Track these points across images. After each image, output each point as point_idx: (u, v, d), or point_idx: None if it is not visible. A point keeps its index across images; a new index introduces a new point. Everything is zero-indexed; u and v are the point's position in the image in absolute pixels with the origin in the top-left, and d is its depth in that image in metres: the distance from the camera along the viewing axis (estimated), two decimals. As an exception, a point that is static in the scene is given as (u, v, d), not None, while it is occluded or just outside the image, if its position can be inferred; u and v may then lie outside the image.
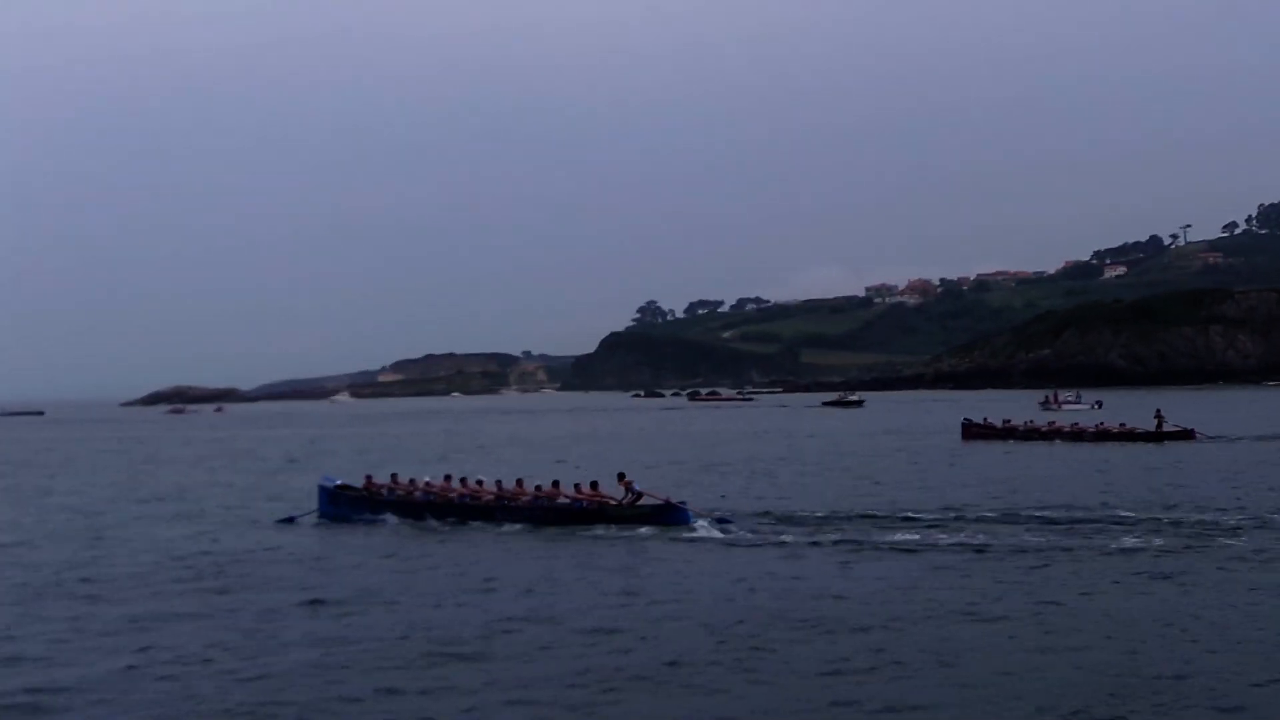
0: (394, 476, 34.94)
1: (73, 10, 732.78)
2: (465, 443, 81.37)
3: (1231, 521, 28.84)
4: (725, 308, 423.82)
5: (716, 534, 29.03)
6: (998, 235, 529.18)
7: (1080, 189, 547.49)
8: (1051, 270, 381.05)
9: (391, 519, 32.67)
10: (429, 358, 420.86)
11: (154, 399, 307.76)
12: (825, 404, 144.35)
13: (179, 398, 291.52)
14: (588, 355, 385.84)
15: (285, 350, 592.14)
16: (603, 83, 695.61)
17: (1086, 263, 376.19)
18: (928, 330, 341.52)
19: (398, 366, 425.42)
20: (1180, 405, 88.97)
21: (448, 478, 34.24)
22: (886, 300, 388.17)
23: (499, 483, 33.18)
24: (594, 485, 31.92)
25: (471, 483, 33.53)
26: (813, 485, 42.73)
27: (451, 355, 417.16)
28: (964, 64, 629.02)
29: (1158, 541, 25.98)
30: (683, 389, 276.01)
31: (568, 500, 31.70)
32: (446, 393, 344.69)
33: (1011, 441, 64.64)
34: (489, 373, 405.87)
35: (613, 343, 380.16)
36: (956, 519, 30.34)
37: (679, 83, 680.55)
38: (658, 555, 26.69)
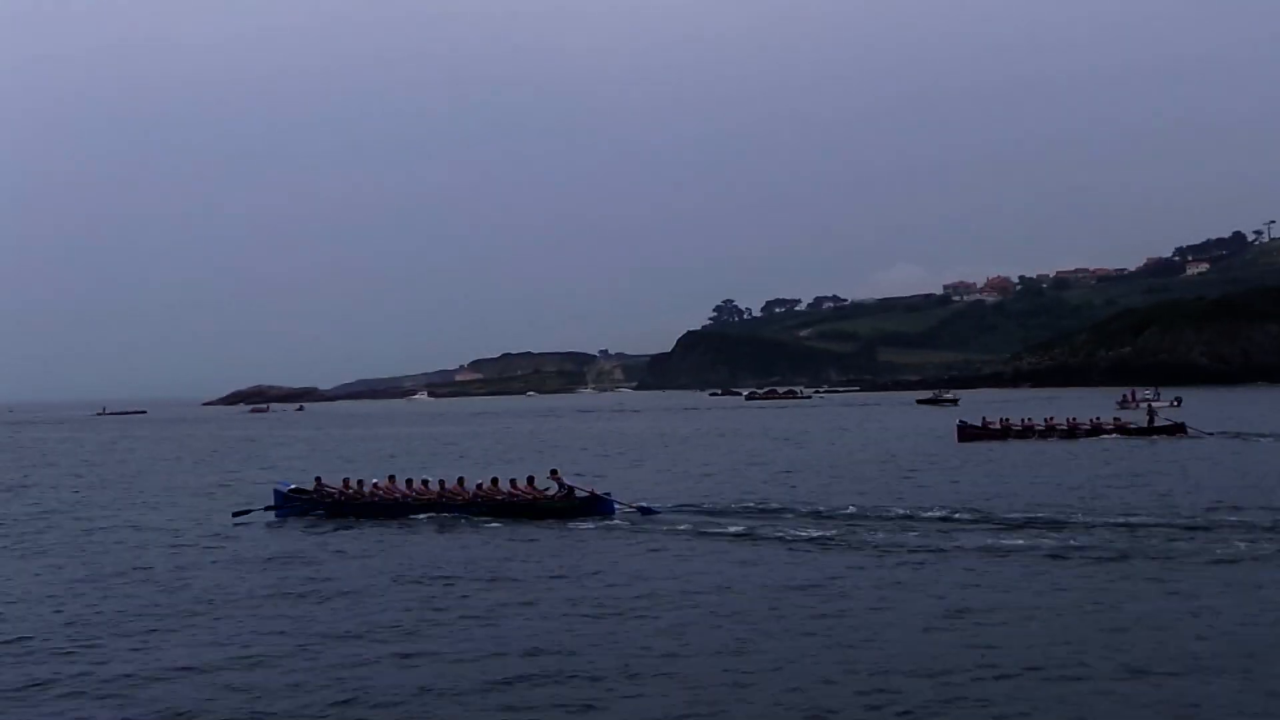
0: (345, 480, 37.18)
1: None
2: (537, 442, 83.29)
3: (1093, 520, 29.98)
4: (802, 306, 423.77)
5: (639, 521, 32.06)
6: (1078, 233, 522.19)
7: (1162, 185, 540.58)
8: (1132, 267, 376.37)
9: (338, 517, 34.67)
10: (506, 357, 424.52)
11: (234, 398, 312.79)
12: (919, 401, 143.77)
13: (259, 397, 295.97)
14: (664, 354, 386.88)
15: (363, 350, 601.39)
16: (677, 81, 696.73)
17: (1168, 260, 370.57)
18: (1006, 328, 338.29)
19: (475, 365, 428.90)
20: (1263, 404, 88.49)
21: (392, 479, 36.70)
22: (964, 298, 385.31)
23: (441, 482, 35.61)
24: (530, 481, 34.58)
25: (417, 483, 35.87)
26: (764, 482, 44.79)
27: (529, 354, 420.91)
28: (1051, 63, 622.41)
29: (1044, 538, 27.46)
30: (759, 388, 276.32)
31: (504, 495, 34.08)
32: (523, 392, 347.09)
33: (1010, 440, 65.70)
34: (565, 371, 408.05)
35: (689, 341, 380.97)
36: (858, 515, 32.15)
37: (752, 81, 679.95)
38: (581, 542, 29.28)
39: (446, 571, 25.18)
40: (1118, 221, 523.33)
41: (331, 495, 36.04)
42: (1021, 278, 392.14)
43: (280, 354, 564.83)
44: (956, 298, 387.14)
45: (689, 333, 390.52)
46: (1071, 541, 26.67)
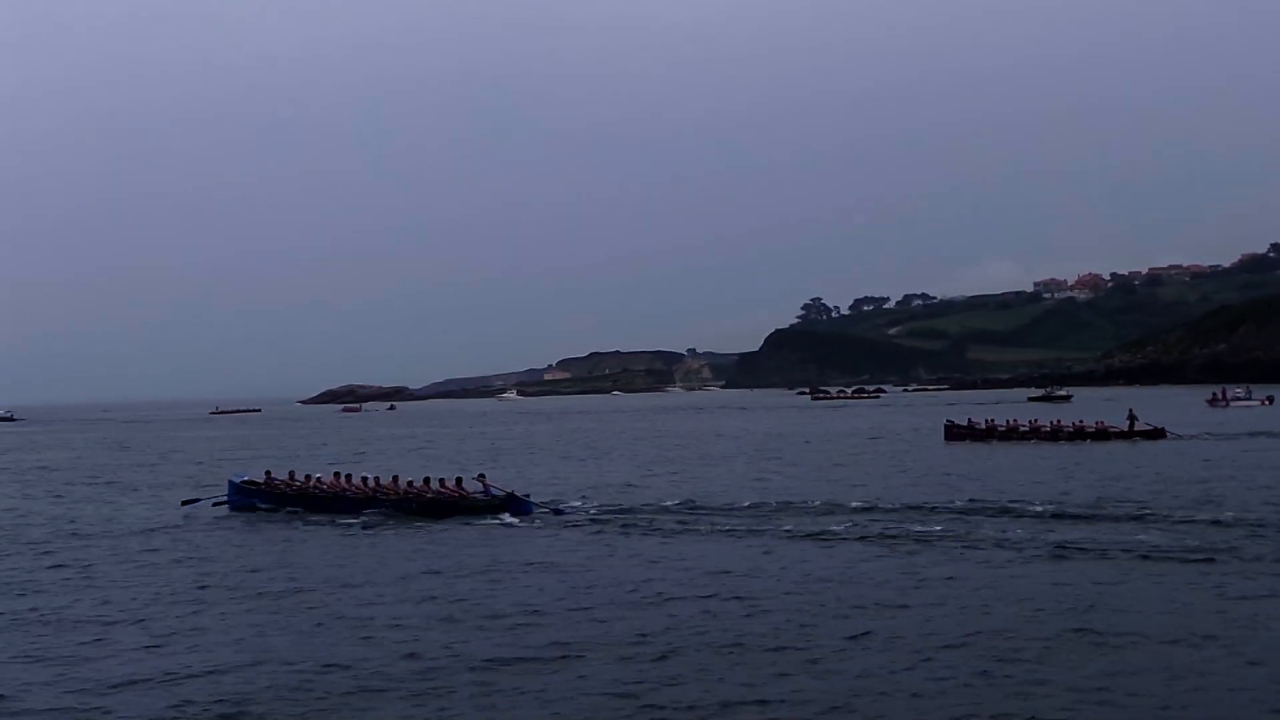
0: (291, 474, 40.63)
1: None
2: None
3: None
4: (891, 304, 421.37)
5: (554, 519, 34.87)
6: (1171, 229, 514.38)
7: (1258, 181, 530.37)
8: (1227, 264, 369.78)
9: (284, 508, 37.86)
10: (594, 355, 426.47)
11: (327, 397, 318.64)
12: (1031, 399, 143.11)
13: (350, 396, 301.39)
14: (752, 353, 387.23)
15: (453, 349, 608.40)
16: (767, 79, 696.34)
17: (1264, 255, 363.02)
18: (1098, 325, 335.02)
19: (564, 364, 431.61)
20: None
21: (337, 475, 39.82)
22: (1055, 295, 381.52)
23: (377, 479, 38.72)
24: (458, 481, 37.71)
25: (356, 480, 38.90)
26: (723, 481, 47.63)
27: (617, 353, 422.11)
28: (1137, 57, 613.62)
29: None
30: (848, 386, 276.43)
31: (432, 494, 36.89)
32: (612, 390, 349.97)
33: (993, 442, 67.07)
34: (654, 370, 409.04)
35: (777, 340, 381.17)
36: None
37: (846, 78, 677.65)
38: (494, 539, 31.63)
39: (365, 562, 27.98)
40: (1212, 217, 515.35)
41: (278, 488, 39.34)
42: (1114, 275, 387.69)
43: (372, 354, 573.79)
44: (1047, 295, 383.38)
45: (777, 331, 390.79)
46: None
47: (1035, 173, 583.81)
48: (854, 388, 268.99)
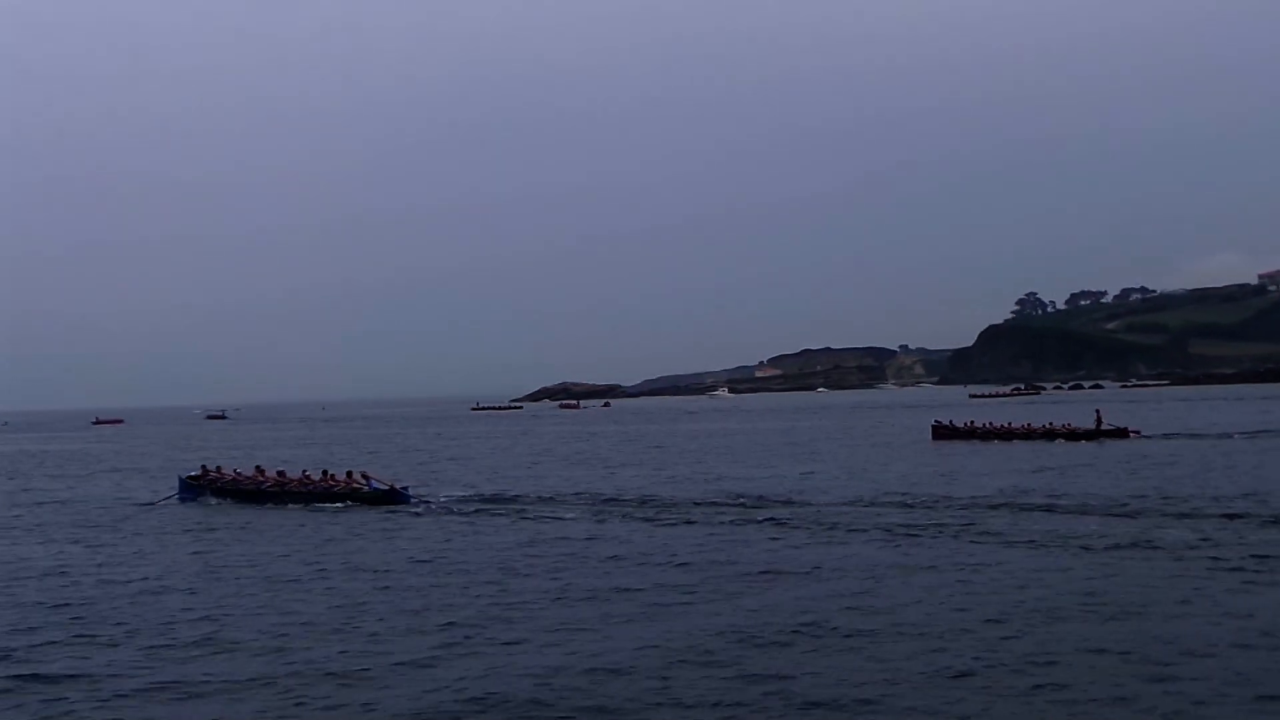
0: (219, 468, 48.25)
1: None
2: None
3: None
4: (1108, 298, 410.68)
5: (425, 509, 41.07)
6: None
7: None
8: None
9: (212, 500, 45.39)
10: (806, 353, 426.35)
11: (541, 395, 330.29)
12: None
13: (564, 394, 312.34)
14: (965, 349, 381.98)
15: (665, 347, 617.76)
16: (977, 77, 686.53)
17: None
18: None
19: (775, 361, 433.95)
20: None
21: (257, 468, 47.77)
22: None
23: (282, 472, 46.99)
24: (349, 475, 44.97)
25: (271, 472, 46.77)
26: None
27: (828, 350, 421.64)
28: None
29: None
30: (1064, 382, 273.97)
31: (337, 486, 44.00)
32: (818, 388, 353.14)
33: (975, 441, 71.40)
34: (865, 367, 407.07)
35: (991, 335, 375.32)
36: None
37: (1067, 70, 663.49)
38: (376, 525, 37.17)
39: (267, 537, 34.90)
40: None
41: (213, 481, 46.93)
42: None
43: (584, 352, 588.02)
44: (1273, 287, 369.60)
45: (991, 327, 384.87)
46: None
47: (1263, 159, 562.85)
48: (1070, 384, 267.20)
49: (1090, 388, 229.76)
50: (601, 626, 20.71)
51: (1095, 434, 70.29)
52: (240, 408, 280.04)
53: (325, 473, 45.97)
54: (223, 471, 47.81)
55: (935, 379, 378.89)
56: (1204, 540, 28.45)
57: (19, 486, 60.39)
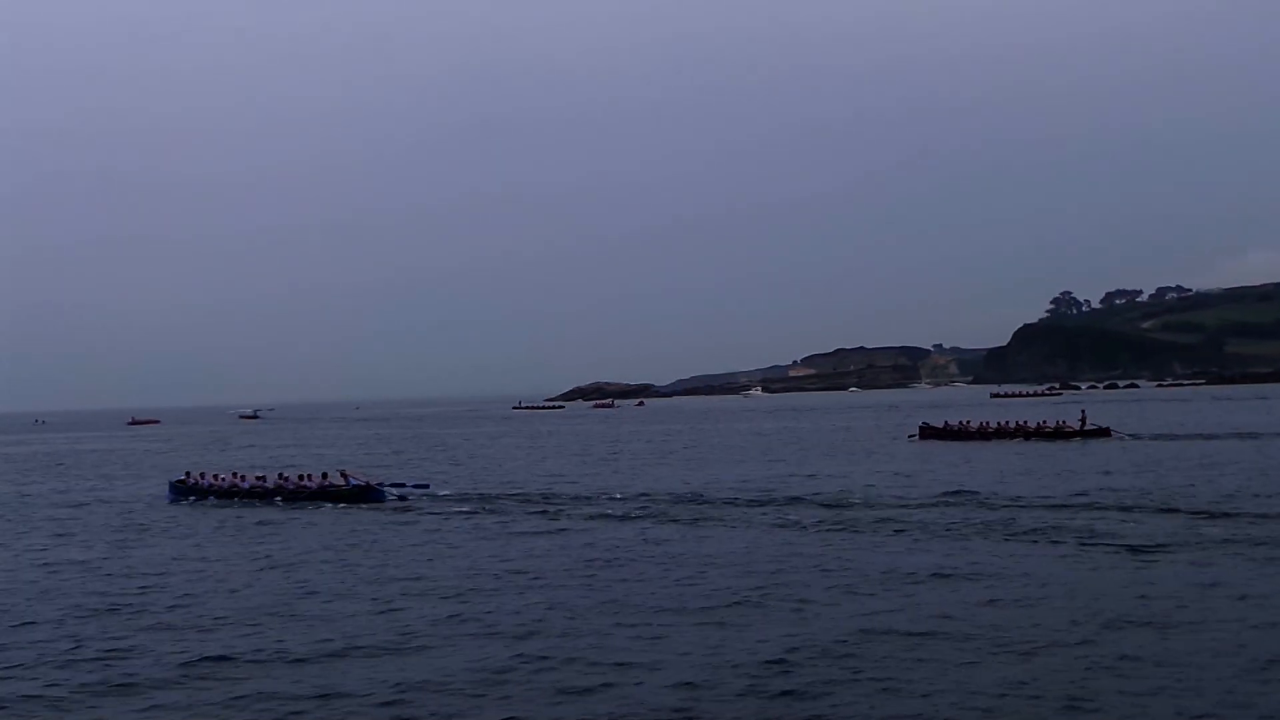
0: (203, 473, 51.72)
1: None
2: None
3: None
4: (1144, 297, 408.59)
5: (401, 501, 44.57)
6: None
7: None
8: None
9: (201, 500, 48.37)
10: (839, 352, 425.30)
11: (574, 394, 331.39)
12: None
13: (597, 393, 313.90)
14: (1000, 348, 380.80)
15: (698, 346, 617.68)
16: (1013, 72, 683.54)
17: None
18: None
19: (808, 361, 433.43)
20: None
21: (234, 474, 51.05)
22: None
23: (261, 476, 49.75)
24: (324, 475, 47.52)
25: (251, 476, 49.98)
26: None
27: (861, 349, 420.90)
28: None
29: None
30: (1099, 382, 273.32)
31: (312, 485, 46.43)
32: (850, 387, 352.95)
33: (952, 440, 73.52)
34: (899, 366, 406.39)
35: (1026, 334, 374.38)
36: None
37: (1102, 67, 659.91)
38: (353, 524, 39.64)
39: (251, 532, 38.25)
40: None
41: (197, 484, 50.11)
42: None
43: (618, 352, 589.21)
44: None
45: (1025, 326, 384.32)
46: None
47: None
48: (1106, 383, 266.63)
49: (1125, 387, 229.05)
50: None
51: (1077, 433, 72.19)
52: (274, 408, 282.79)
53: (301, 475, 48.86)
54: (203, 475, 51.30)
55: (970, 378, 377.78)
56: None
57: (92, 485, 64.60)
